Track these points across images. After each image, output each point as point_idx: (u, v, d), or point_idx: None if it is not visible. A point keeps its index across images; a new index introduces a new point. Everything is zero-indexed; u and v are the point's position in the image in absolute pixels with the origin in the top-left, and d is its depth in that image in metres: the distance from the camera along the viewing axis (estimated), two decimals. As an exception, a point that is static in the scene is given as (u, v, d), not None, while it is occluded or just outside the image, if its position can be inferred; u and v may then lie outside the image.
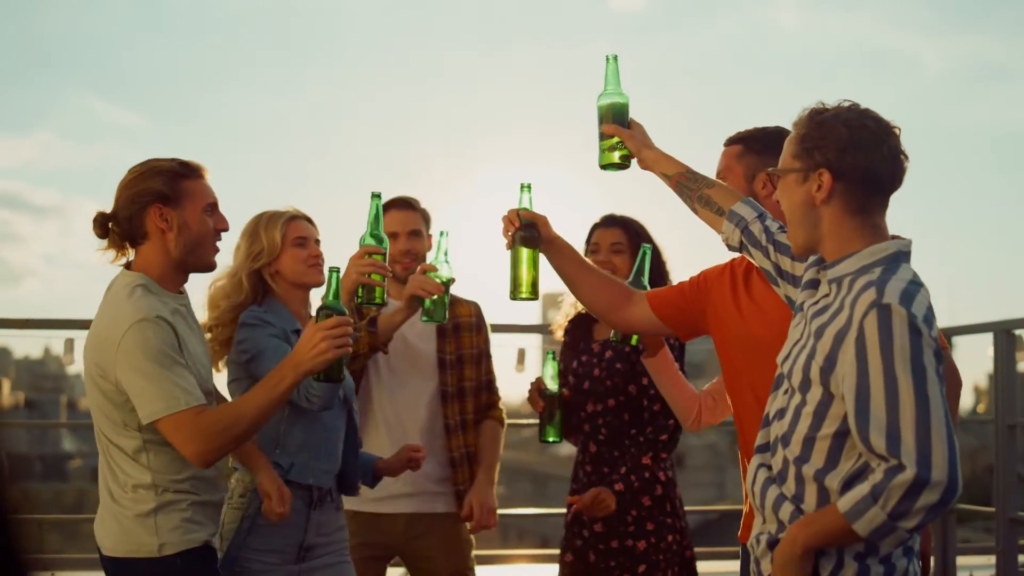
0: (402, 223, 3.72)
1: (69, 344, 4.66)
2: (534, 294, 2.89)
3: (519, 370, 5.27)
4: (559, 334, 3.91)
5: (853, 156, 2.17)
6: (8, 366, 51.04)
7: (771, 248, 2.52)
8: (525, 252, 2.87)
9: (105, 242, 2.77)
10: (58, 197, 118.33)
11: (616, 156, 2.81)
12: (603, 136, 2.82)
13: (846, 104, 2.22)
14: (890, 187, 2.21)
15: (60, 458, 44.60)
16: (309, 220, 3.29)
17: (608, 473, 3.63)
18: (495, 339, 3.98)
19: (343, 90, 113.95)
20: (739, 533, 2.77)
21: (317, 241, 3.27)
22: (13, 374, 51.13)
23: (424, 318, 3.20)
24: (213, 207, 2.78)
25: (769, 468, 2.27)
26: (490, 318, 3.91)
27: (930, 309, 2.10)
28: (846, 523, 2.03)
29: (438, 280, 3.19)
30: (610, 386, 3.66)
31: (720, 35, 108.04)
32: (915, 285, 2.11)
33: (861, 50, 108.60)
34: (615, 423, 3.66)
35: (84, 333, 4.54)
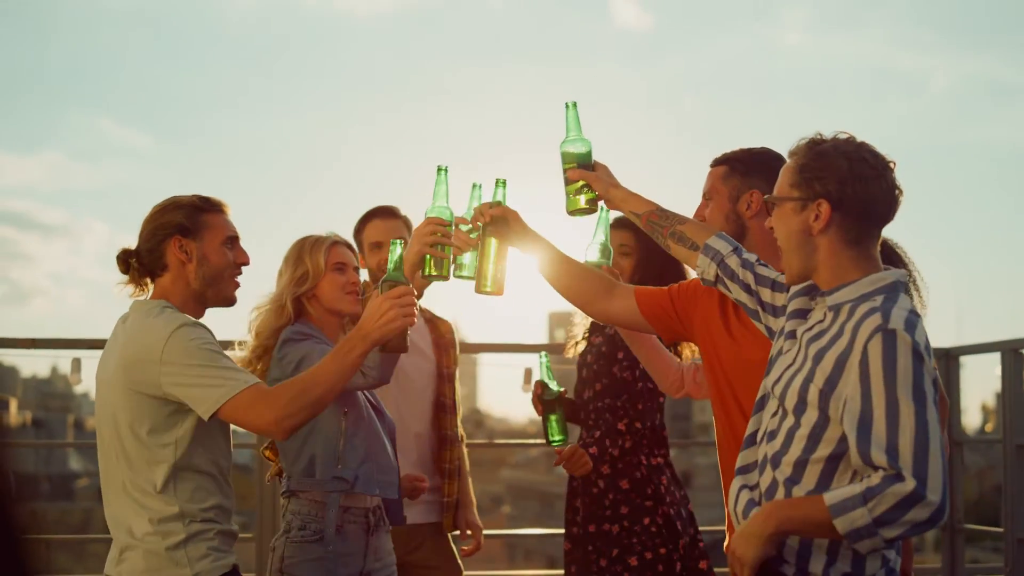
0: (386, 232, 3.77)
1: (76, 364, 4.63)
2: (498, 289, 2.88)
3: (525, 390, 5.24)
4: (577, 331, 3.91)
5: (853, 188, 2.21)
6: (15, 385, 51.13)
7: (751, 280, 2.54)
8: (493, 245, 2.86)
9: (126, 277, 2.81)
10: (66, 216, 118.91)
11: (582, 200, 2.85)
12: (568, 181, 2.86)
13: (843, 136, 2.27)
14: (885, 220, 2.27)
15: (67, 477, 44.61)
16: (350, 247, 3.29)
17: (594, 455, 3.63)
18: (501, 359, 4.02)
19: (348, 109, 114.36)
20: (725, 544, 2.78)
21: (356, 269, 3.27)
22: (20, 393, 51.18)
23: (456, 273, 3.06)
24: (233, 240, 2.83)
25: (751, 489, 2.29)
26: (496, 337, 3.95)
27: (928, 339, 2.15)
28: (827, 516, 2.06)
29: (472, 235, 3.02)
30: (596, 370, 3.72)
31: (725, 53, 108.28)
32: (915, 315, 2.17)
33: (867, 69, 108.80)
34: (601, 406, 3.70)
35: (91, 352, 4.59)
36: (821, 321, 2.26)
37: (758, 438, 2.32)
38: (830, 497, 2.06)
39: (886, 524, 2.02)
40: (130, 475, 2.66)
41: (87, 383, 4.69)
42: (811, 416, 2.18)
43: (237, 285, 2.85)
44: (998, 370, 5.22)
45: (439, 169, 2.94)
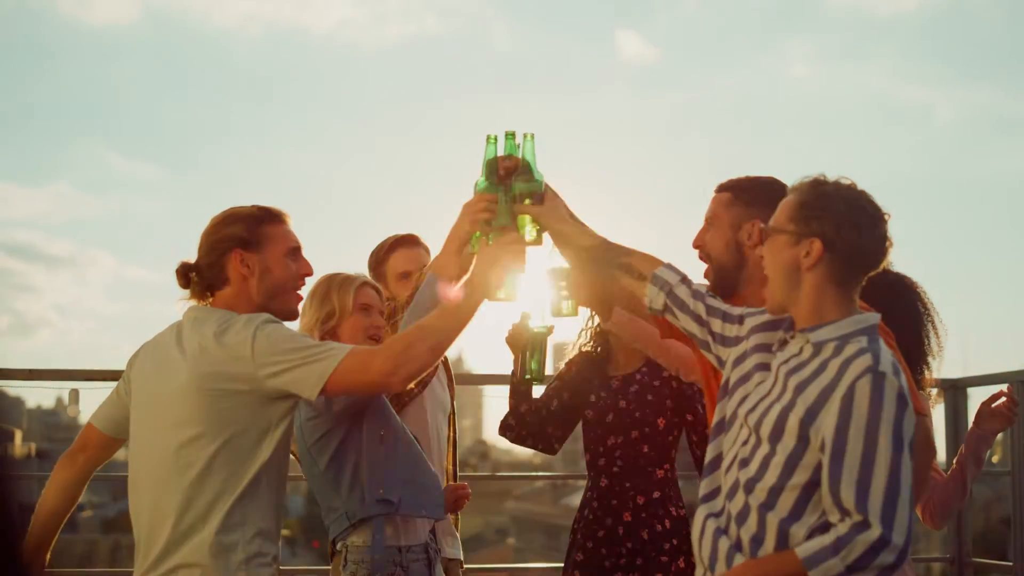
0: (413, 261, 3.75)
1: (74, 395, 4.58)
2: (539, 240, 2.82)
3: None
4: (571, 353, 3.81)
5: (847, 233, 2.28)
6: (21, 416, 51.03)
7: (703, 311, 2.56)
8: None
9: (187, 292, 2.74)
10: (72, 248, 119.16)
11: (528, 233, 2.80)
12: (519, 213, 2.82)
13: (846, 182, 2.33)
14: (871, 268, 2.34)
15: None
16: (377, 290, 3.24)
17: (616, 506, 3.53)
18: (506, 391, 3.97)
19: (354, 140, 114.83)
20: None
21: (381, 312, 3.21)
22: (25, 424, 51.06)
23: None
24: (296, 252, 2.76)
25: (717, 516, 2.34)
26: (501, 369, 3.90)
27: (907, 385, 2.23)
28: (801, 570, 2.14)
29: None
30: (638, 418, 3.56)
31: (731, 86, 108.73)
32: (896, 360, 2.25)
33: (872, 101, 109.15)
34: (632, 455, 3.57)
35: (90, 384, 4.54)
36: (798, 355, 2.30)
37: (723, 465, 2.38)
38: (802, 551, 2.15)
39: (858, 570, 2.13)
40: (199, 489, 2.56)
41: (86, 415, 4.64)
42: (788, 444, 2.23)
43: (300, 298, 2.79)
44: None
45: (489, 139, 2.87)
